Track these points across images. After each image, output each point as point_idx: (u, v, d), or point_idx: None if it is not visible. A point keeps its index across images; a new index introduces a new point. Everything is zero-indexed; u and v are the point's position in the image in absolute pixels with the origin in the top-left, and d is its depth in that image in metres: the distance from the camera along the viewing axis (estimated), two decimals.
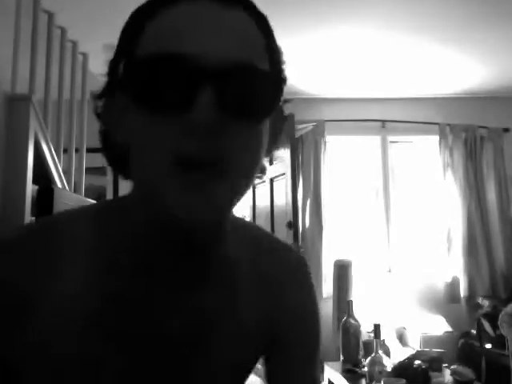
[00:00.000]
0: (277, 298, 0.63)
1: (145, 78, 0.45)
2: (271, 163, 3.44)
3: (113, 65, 0.52)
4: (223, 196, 0.46)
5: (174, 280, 0.54)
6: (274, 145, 0.55)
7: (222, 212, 0.48)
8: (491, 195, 3.68)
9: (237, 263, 0.59)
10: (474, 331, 3.08)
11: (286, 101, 0.55)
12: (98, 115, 0.54)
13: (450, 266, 3.63)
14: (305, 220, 3.56)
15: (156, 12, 0.48)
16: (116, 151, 0.53)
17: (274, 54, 0.51)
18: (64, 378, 0.51)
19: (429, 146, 3.89)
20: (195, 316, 0.55)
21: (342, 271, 3.09)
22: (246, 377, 0.63)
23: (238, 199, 0.49)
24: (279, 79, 0.50)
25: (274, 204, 3.39)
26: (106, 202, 0.62)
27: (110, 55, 0.52)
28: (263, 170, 0.56)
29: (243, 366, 0.61)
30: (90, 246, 0.53)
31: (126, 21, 0.52)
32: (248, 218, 3.78)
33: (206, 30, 0.45)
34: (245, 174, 0.48)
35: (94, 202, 1.92)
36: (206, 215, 0.45)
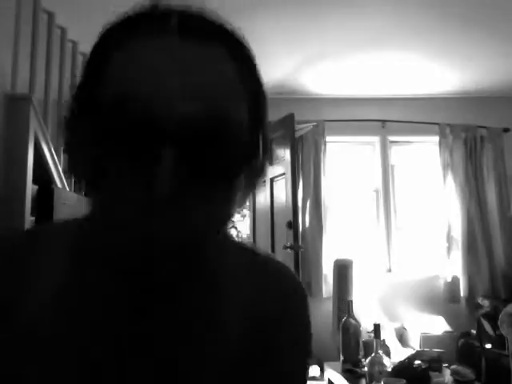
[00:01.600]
0: (267, 317, 0.57)
1: (104, 126, 0.40)
2: (271, 163, 3.45)
3: (78, 93, 0.48)
4: (188, 235, 0.42)
5: (155, 294, 0.50)
6: (246, 196, 0.50)
7: (184, 254, 0.43)
8: (491, 195, 3.68)
9: (223, 280, 0.55)
10: (474, 331, 3.08)
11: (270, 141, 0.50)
12: (64, 130, 0.50)
13: (449, 265, 3.63)
14: (305, 220, 3.56)
15: (123, 43, 0.43)
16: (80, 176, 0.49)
17: (254, 98, 0.47)
18: None
19: (429, 145, 3.89)
20: (179, 330, 0.51)
21: (342, 271, 3.09)
22: None
23: (209, 238, 0.46)
24: (256, 131, 0.46)
25: (274, 204, 3.39)
26: (78, 220, 0.57)
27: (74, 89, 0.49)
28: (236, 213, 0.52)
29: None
30: (66, 262, 0.51)
31: (92, 47, 0.46)
32: (248, 218, 3.78)
33: (171, 75, 0.40)
34: (215, 220, 0.44)
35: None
36: (176, 236, 0.41)
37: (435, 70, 3.46)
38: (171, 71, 0.40)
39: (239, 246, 0.61)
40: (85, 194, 0.50)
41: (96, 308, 0.49)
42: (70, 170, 0.49)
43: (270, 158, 0.52)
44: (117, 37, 0.43)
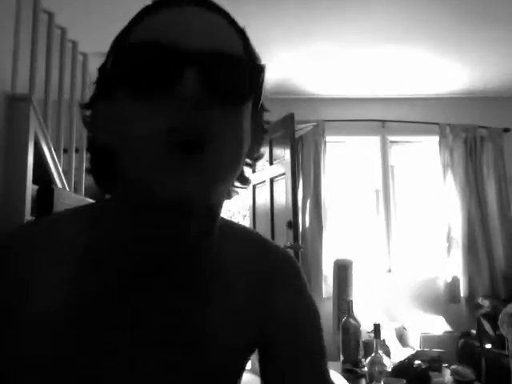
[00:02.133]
0: (267, 300, 0.62)
1: (133, 63, 0.48)
2: (271, 163, 3.45)
3: (102, 69, 0.54)
4: (210, 179, 0.47)
5: (161, 282, 0.54)
6: (255, 148, 0.58)
7: (207, 195, 0.49)
8: (491, 195, 3.68)
9: (225, 263, 0.60)
10: (474, 331, 3.08)
11: (265, 110, 0.60)
12: (86, 123, 0.56)
13: (450, 265, 3.63)
14: (305, 220, 3.56)
15: (142, 19, 0.52)
16: (102, 161, 0.55)
17: (251, 54, 0.54)
18: (48, 381, 0.52)
19: (429, 146, 3.89)
20: (181, 317, 0.56)
21: (342, 271, 3.09)
22: (236, 379, 0.62)
23: (225, 184, 0.51)
24: (256, 67, 0.53)
25: (274, 204, 3.39)
26: (92, 204, 0.63)
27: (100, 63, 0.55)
28: (246, 181, 0.59)
29: (233, 367, 0.61)
30: (77, 245, 0.55)
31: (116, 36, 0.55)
32: (248, 218, 3.78)
33: (191, 24, 0.49)
34: (229, 157, 0.49)
35: (94, 202, 1.92)
36: (194, 197, 0.46)
37: (435, 70, 3.46)
38: (191, 22, 0.50)
39: (238, 229, 0.67)
40: (107, 187, 0.56)
41: (108, 295, 0.53)
42: (95, 122, 0.55)
43: (261, 129, 0.57)
44: (146, 10, 0.53)
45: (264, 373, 0.63)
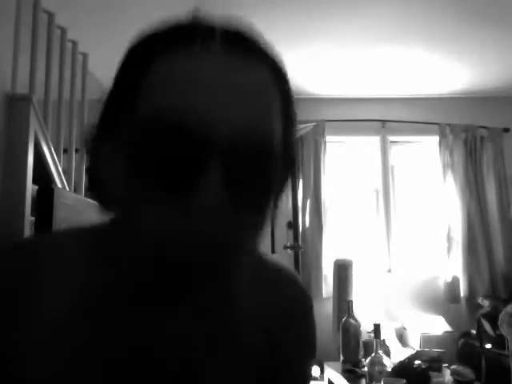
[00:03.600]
0: (278, 331, 0.58)
1: (145, 145, 0.39)
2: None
3: (106, 115, 0.46)
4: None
5: (170, 303, 0.49)
6: (279, 195, 0.50)
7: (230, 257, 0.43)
8: (491, 195, 3.68)
9: (240, 289, 0.55)
10: (474, 331, 3.08)
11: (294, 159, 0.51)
12: (88, 157, 0.49)
13: (450, 265, 3.63)
14: (305, 220, 3.56)
15: (159, 55, 0.41)
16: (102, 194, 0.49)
17: (288, 118, 0.46)
18: None
19: (429, 145, 3.89)
20: (193, 344, 0.51)
21: (342, 271, 3.09)
22: None
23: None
24: (291, 158, 0.46)
25: None
26: (102, 226, 0.56)
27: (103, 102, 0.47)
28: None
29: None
30: (82, 268, 0.50)
31: (123, 59, 0.44)
32: None
33: (216, 93, 0.39)
34: (244, 252, 0.44)
35: (94, 202, 1.92)
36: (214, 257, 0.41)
37: (435, 70, 3.46)
38: (219, 87, 0.39)
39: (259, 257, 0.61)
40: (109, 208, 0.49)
41: (117, 309, 0.49)
42: (96, 186, 0.49)
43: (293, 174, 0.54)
44: (157, 48, 0.42)
45: None
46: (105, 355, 0.48)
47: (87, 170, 0.50)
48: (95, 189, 0.50)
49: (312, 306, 0.63)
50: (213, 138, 0.38)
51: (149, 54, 0.42)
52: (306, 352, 0.62)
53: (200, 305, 0.49)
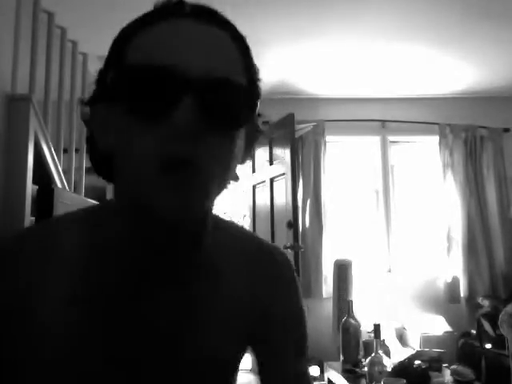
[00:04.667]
0: (261, 295, 0.66)
1: (132, 87, 0.49)
2: (271, 163, 3.45)
3: (102, 74, 0.55)
4: (197, 198, 0.50)
5: (160, 277, 0.57)
6: (247, 154, 0.60)
7: (195, 211, 0.52)
8: (491, 195, 3.68)
9: (220, 260, 0.63)
10: (474, 331, 3.08)
11: (260, 115, 0.59)
12: (85, 121, 0.58)
13: (450, 266, 3.63)
14: (305, 220, 3.56)
15: (142, 28, 0.52)
16: (100, 157, 0.57)
17: (250, 72, 0.55)
18: (58, 378, 0.54)
19: (429, 146, 3.89)
20: (181, 310, 0.59)
21: (342, 271, 3.09)
22: (232, 373, 0.66)
23: (212, 201, 0.55)
24: (254, 94, 0.54)
25: (274, 204, 3.39)
26: (94, 207, 0.64)
27: (101, 65, 0.56)
28: (236, 178, 0.60)
29: (229, 360, 0.64)
30: (80, 249, 0.57)
31: (115, 37, 0.55)
32: (248, 218, 3.78)
33: (189, 45, 0.49)
34: (217, 179, 0.52)
35: (94, 202, 1.92)
36: (184, 214, 0.50)
37: (437, 70, 3.46)
38: (191, 40, 0.50)
39: (234, 229, 0.70)
40: (107, 179, 0.59)
41: (107, 295, 0.56)
42: (94, 141, 0.56)
43: (258, 130, 0.58)
44: (139, 22, 0.53)
45: (259, 364, 0.69)
46: (102, 343, 0.55)
47: (87, 134, 0.59)
48: (93, 151, 0.58)
49: (295, 276, 0.71)
50: (187, 76, 0.47)
51: (134, 26, 0.53)
52: (294, 317, 0.69)
53: (183, 278, 0.58)
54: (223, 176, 0.53)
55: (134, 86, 0.48)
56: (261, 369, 0.68)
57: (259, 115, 0.59)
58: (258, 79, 0.57)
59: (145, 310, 0.57)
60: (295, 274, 0.71)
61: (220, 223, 0.66)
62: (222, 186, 0.53)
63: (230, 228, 0.69)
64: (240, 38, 0.55)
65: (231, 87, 0.50)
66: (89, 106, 0.56)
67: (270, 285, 0.67)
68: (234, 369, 0.66)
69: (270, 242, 0.73)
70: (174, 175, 0.48)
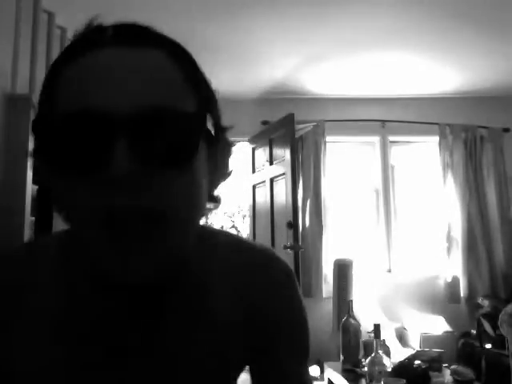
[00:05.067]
0: (258, 307, 0.59)
1: (59, 139, 0.43)
2: (271, 163, 3.45)
3: (34, 124, 0.48)
4: (160, 253, 0.44)
5: (139, 304, 0.53)
6: (222, 174, 0.54)
7: (158, 269, 0.45)
8: (491, 195, 3.68)
9: (207, 279, 0.57)
10: (474, 331, 3.08)
11: (226, 129, 0.53)
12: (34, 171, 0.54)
13: (450, 266, 3.63)
14: (305, 220, 3.56)
15: (65, 65, 0.46)
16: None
17: (199, 89, 0.49)
18: None
19: (429, 146, 3.89)
20: (163, 334, 0.54)
21: (342, 271, 3.09)
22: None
23: (182, 247, 0.48)
24: (205, 115, 0.47)
25: (274, 204, 3.39)
26: (64, 235, 0.59)
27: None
28: (217, 201, 0.55)
29: (220, 380, 0.59)
30: (54, 275, 0.54)
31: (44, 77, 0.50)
32: (248, 218, 3.78)
33: (111, 79, 0.43)
34: (184, 222, 0.46)
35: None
36: (143, 274, 0.44)
37: (435, 70, 3.46)
38: (112, 73, 0.44)
39: (223, 238, 0.62)
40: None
41: (83, 321, 0.52)
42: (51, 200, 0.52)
43: (226, 147, 0.53)
44: (62, 59, 0.47)
45: (251, 371, 0.63)
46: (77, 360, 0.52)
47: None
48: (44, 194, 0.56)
49: (294, 282, 0.63)
50: (114, 116, 0.41)
51: (58, 63, 0.48)
52: (295, 327, 0.62)
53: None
54: (192, 212, 0.47)
55: (60, 137, 0.43)
56: (254, 373, 0.62)
57: (225, 128, 0.53)
58: (212, 95, 0.51)
59: (120, 333, 0.53)
60: (294, 280, 0.63)
61: (205, 235, 0.59)
62: (191, 229, 0.48)
63: (216, 239, 0.61)
64: (181, 54, 0.48)
65: (169, 116, 0.43)
66: (32, 159, 0.51)
67: (266, 295, 0.60)
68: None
69: (264, 247, 0.64)
70: (122, 233, 0.42)
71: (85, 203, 0.43)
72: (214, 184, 0.53)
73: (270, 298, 0.60)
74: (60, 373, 0.52)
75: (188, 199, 0.45)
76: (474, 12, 2.66)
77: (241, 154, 3.79)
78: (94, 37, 0.47)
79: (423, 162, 3.95)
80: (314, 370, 2.86)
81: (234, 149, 0.56)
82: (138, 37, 0.46)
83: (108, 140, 0.41)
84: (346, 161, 3.92)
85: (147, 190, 0.42)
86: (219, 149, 0.52)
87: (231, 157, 0.55)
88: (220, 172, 0.53)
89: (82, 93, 0.43)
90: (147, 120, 0.42)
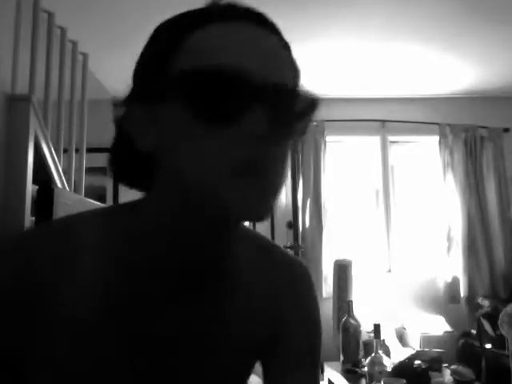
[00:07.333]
0: (280, 307, 0.66)
1: (197, 90, 0.48)
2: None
3: (143, 73, 0.54)
4: (270, 200, 0.51)
5: (183, 286, 0.57)
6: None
7: (268, 212, 0.52)
8: (491, 195, 3.68)
9: (242, 272, 0.63)
10: (474, 331, 3.08)
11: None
12: (118, 123, 0.56)
13: (450, 266, 3.63)
14: (305, 220, 3.56)
15: (196, 27, 0.51)
16: (135, 158, 0.56)
17: (298, 77, 0.56)
18: (73, 380, 0.53)
19: (429, 145, 3.89)
20: (199, 319, 0.58)
21: (342, 271, 3.09)
22: (245, 380, 0.66)
23: (276, 199, 0.55)
24: (314, 101, 0.54)
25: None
26: (121, 205, 0.63)
27: (136, 65, 0.55)
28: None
29: (241, 369, 0.65)
30: (103, 247, 0.56)
31: (154, 34, 0.55)
32: None
33: (255, 50, 0.50)
34: (280, 181, 0.53)
35: (94, 202, 1.92)
36: (258, 213, 0.50)
37: (437, 69, 3.46)
38: (255, 45, 0.50)
39: (253, 233, 0.70)
40: (134, 183, 0.59)
41: (139, 302, 0.55)
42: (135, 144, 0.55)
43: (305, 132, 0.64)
44: (194, 20, 0.52)
45: (265, 373, 0.67)
46: (126, 339, 0.55)
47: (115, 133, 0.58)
48: (121, 153, 0.58)
49: (313, 288, 0.72)
50: (255, 85, 0.47)
51: (185, 24, 0.52)
52: (310, 331, 0.70)
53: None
54: (283, 179, 0.54)
55: (200, 90, 0.47)
56: (269, 379, 0.67)
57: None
58: (299, 77, 0.57)
59: (170, 322, 0.57)
60: (313, 286, 0.72)
61: (243, 233, 0.66)
62: (281, 188, 0.54)
63: (251, 238, 0.69)
64: (286, 43, 0.56)
65: (291, 94, 0.51)
66: (125, 106, 0.54)
67: (287, 297, 0.68)
68: (247, 377, 0.66)
69: (290, 253, 0.74)
70: (246, 178, 0.48)
71: (214, 149, 0.48)
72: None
73: (291, 302, 0.68)
74: (110, 346, 0.53)
75: (284, 168, 0.53)
76: (475, 14, 2.65)
77: None
78: (227, 9, 0.52)
79: (423, 161, 3.95)
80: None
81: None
82: (263, 20, 0.54)
83: (248, 100, 0.47)
84: (346, 161, 3.92)
85: (270, 150, 0.49)
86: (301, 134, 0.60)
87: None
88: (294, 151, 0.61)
89: (228, 52, 0.48)
90: (279, 92, 0.49)
